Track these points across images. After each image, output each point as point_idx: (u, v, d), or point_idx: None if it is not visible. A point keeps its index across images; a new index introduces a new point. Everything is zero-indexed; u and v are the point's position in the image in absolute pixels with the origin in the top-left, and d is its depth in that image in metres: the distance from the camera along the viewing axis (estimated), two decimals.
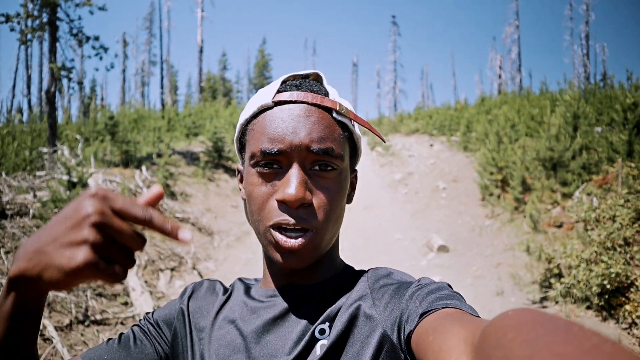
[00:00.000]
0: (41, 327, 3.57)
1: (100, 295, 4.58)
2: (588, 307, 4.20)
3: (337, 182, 0.65)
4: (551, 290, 4.49)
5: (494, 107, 14.34)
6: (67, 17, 8.89)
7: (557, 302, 4.40)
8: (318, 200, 0.62)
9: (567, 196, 6.51)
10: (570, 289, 4.24)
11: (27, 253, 0.43)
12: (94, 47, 9.20)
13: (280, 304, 0.66)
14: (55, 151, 8.30)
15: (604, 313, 4.09)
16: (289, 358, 0.60)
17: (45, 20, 8.65)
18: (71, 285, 0.41)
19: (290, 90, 0.65)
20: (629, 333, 3.75)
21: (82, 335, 3.93)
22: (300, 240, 0.61)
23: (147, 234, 4.31)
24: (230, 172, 11.30)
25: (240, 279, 0.77)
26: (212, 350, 0.67)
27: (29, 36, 8.99)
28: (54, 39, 8.68)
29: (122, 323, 4.33)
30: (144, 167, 9.20)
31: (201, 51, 22.70)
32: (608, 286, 3.87)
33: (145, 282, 5.21)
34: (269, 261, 0.71)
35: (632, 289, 3.75)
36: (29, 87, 22.85)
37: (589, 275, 3.99)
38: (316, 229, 0.62)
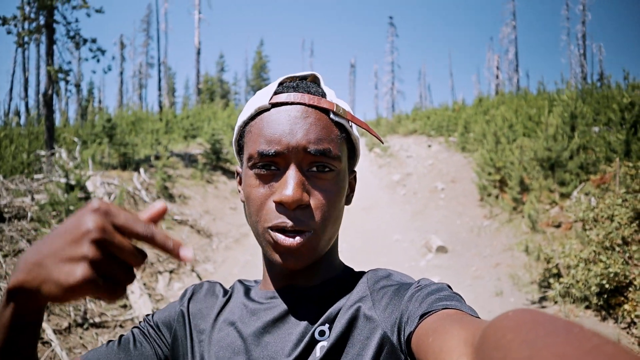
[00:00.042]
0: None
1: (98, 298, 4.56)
2: (587, 307, 4.21)
3: (335, 183, 0.64)
4: (550, 290, 4.50)
5: (492, 107, 14.34)
6: (64, 20, 8.86)
7: (556, 302, 4.40)
8: (316, 201, 0.62)
9: (565, 196, 6.51)
10: (569, 289, 4.25)
11: (27, 264, 0.43)
12: (91, 50, 9.17)
13: (280, 306, 0.66)
14: (53, 154, 8.27)
15: (603, 313, 4.09)
16: (289, 359, 0.60)
17: (42, 22, 8.62)
18: (69, 300, 0.41)
19: (287, 92, 0.65)
20: (627, 332, 3.75)
21: (80, 338, 3.92)
22: (298, 239, 0.61)
23: None
24: (229, 174, 11.28)
25: (240, 281, 0.77)
26: (212, 352, 0.67)
27: (26, 39, 8.94)
28: (51, 42, 8.65)
29: (121, 326, 4.32)
30: (142, 170, 9.18)
31: (199, 53, 22.68)
32: (607, 286, 3.87)
33: (144, 284, 5.19)
34: (268, 263, 0.71)
35: (630, 289, 3.75)
36: (26, 89, 22.83)
37: (587, 275, 4.00)
38: (314, 230, 0.62)
